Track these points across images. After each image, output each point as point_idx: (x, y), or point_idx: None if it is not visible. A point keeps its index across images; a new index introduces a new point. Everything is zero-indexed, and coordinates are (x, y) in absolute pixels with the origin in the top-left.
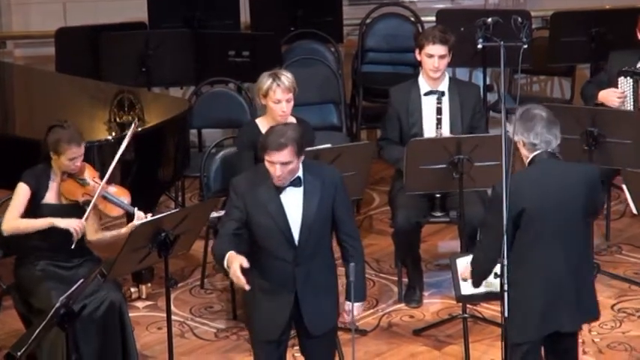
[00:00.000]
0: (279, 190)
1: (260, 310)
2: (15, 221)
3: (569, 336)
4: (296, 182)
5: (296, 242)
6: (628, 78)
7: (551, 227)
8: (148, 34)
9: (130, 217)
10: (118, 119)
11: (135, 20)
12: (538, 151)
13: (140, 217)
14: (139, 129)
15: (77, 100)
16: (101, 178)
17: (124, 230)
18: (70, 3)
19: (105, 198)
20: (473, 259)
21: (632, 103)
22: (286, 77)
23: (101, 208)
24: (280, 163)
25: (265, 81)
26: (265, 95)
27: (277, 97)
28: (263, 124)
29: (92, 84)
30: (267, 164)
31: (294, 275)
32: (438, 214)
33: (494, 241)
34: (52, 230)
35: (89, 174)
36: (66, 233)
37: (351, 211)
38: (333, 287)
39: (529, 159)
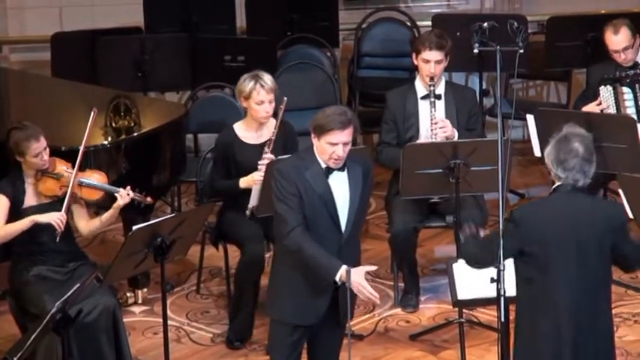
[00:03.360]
0: (327, 173)
1: (299, 295)
2: None
3: None
4: (341, 166)
5: (342, 226)
6: (608, 86)
7: (559, 265)
8: (143, 38)
9: (113, 199)
10: (114, 124)
11: (131, 25)
12: (562, 183)
13: (123, 194)
14: (135, 134)
15: (73, 104)
16: (74, 168)
17: (111, 211)
18: (66, 8)
19: (81, 184)
20: (464, 247)
21: (614, 111)
22: (268, 78)
23: (81, 195)
24: (343, 142)
25: (247, 83)
26: (248, 97)
27: (260, 99)
28: (241, 128)
29: (88, 89)
30: (326, 146)
31: (339, 259)
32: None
33: (489, 250)
34: (45, 234)
35: (62, 167)
36: (61, 237)
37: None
38: None
39: (554, 186)
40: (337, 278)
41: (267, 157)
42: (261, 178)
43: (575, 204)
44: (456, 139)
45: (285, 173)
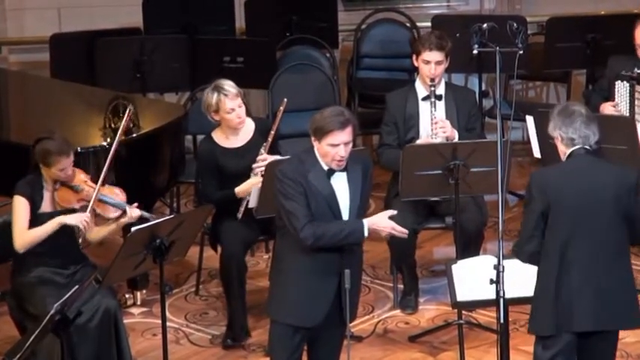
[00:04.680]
0: (329, 174)
1: (302, 296)
2: (25, 235)
3: (599, 340)
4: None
5: None
6: (625, 82)
7: (576, 224)
8: (142, 39)
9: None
10: (112, 125)
11: (130, 26)
12: (576, 147)
13: (133, 214)
14: (134, 135)
15: (72, 105)
16: (93, 180)
17: (113, 226)
18: (64, 9)
19: (101, 201)
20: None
21: (627, 108)
22: (229, 85)
23: (99, 212)
24: (344, 142)
25: (211, 96)
26: (217, 110)
27: (230, 107)
28: (219, 136)
29: (87, 90)
30: (328, 148)
31: (342, 258)
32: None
33: (527, 222)
34: (50, 236)
35: (81, 179)
36: (63, 239)
37: (367, 206)
38: (359, 275)
39: (567, 154)
40: (366, 233)
41: (263, 157)
42: (260, 179)
43: (590, 167)
44: (456, 139)
45: (290, 173)
